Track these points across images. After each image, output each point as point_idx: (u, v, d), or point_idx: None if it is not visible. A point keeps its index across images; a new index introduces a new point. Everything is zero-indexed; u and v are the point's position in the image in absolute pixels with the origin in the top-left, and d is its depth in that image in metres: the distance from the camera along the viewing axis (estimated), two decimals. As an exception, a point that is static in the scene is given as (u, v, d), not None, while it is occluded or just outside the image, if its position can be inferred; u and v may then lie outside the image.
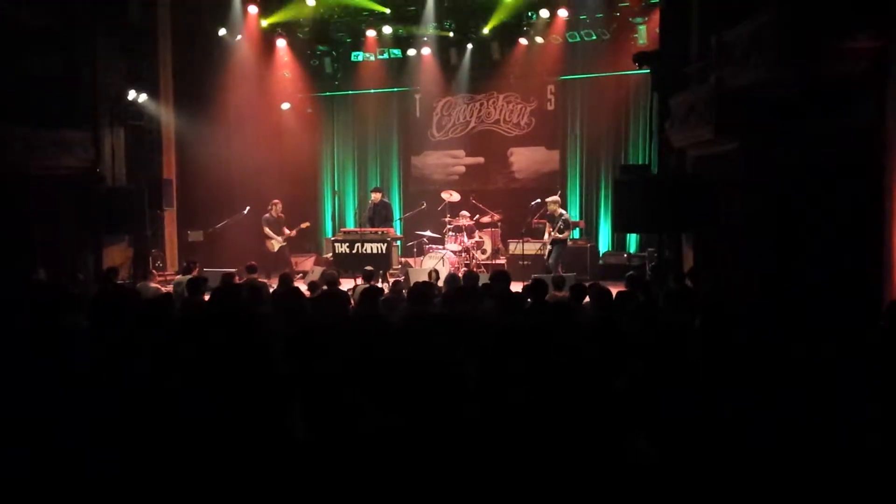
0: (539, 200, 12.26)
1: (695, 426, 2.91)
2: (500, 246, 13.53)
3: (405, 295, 7.01)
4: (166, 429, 2.90)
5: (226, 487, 2.62)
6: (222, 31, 13.74)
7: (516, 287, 7.14)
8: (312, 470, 2.64)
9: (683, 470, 2.69)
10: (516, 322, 5.11)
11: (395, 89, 15.47)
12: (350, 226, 14.24)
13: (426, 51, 14.45)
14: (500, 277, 7.35)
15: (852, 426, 2.84)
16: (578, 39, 13.72)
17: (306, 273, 12.08)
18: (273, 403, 3.01)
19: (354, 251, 11.71)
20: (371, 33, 14.37)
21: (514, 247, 12.73)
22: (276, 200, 12.65)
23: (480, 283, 7.54)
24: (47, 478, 2.72)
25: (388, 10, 13.81)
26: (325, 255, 14.19)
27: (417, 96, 15.49)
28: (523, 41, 13.94)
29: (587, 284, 7.24)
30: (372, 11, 13.91)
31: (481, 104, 15.19)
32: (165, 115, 12.88)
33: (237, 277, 8.78)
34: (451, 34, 14.15)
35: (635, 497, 2.59)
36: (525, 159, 14.99)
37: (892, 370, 3.31)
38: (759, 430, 2.83)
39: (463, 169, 15.45)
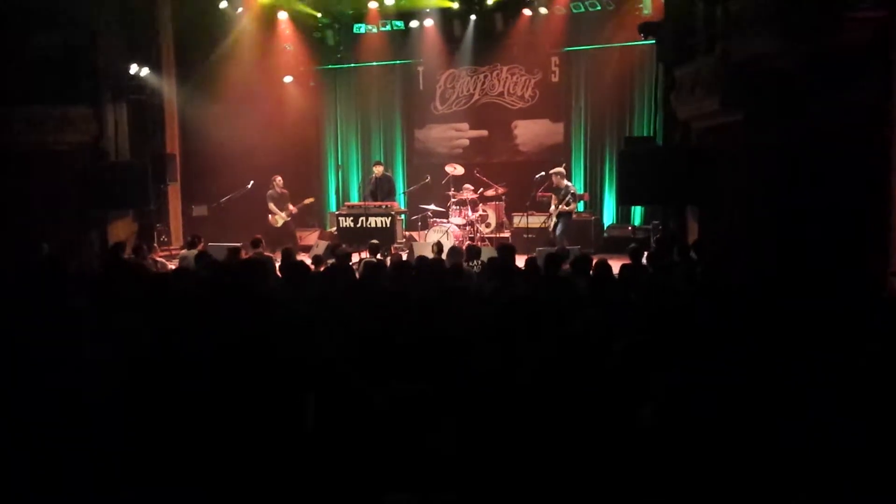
0: (543, 173, 12.22)
1: (699, 396, 2.93)
2: (505, 219, 13.52)
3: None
4: (176, 413, 2.90)
5: (237, 478, 2.63)
6: (223, 4, 13.59)
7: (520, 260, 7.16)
8: (322, 462, 2.65)
9: (687, 438, 2.71)
10: (520, 296, 5.12)
11: (398, 62, 15.33)
12: (354, 200, 14.23)
13: (429, 22, 14.30)
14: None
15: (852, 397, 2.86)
16: (583, 10, 13.56)
17: (311, 247, 12.10)
18: (284, 391, 3.01)
19: (359, 225, 11.76)
20: (373, 5, 14.18)
21: (519, 220, 12.72)
22: (276, 175, 12.63)
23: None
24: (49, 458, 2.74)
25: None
26: (329, 230, 14.20)
27: (420, 69, 15.33)
28: (527, 12, 13.76)
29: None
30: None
31: (485, 76, 15.06)
32: (167, 90, 12.81)
33: (243, 252, 8.81)
34: (455, 5, 14.01)
35: (640, 464, 2.61)
36: (529, 132, 14.89)
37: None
38: (762, 404, 2.85)
39: (467, 142, 15.36)
